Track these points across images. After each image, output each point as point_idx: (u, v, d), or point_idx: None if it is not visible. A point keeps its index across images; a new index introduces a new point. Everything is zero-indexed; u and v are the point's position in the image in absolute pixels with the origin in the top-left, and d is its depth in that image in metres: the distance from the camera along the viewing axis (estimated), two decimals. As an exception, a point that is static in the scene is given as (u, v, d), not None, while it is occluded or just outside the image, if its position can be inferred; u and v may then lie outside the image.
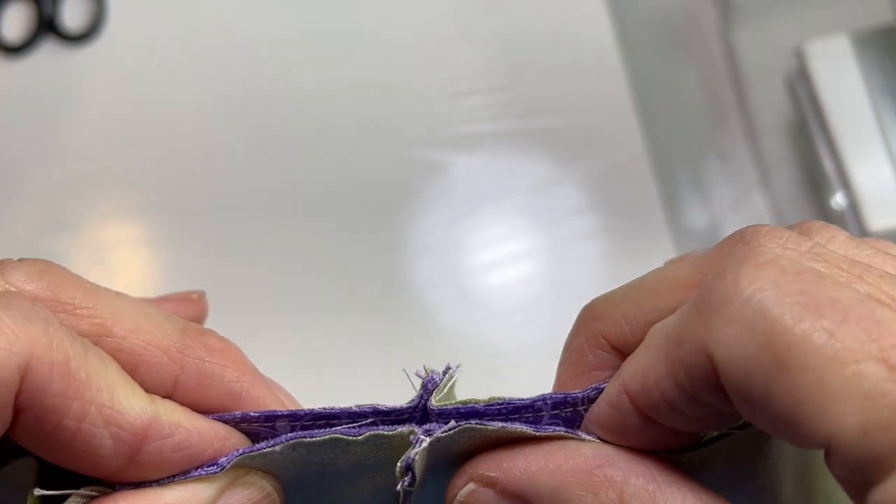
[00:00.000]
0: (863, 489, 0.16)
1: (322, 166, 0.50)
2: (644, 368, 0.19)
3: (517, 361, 0.45)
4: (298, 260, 0.48)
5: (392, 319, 0.47)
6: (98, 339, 0.20)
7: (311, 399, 0.25)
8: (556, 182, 0.49)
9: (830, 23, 0.49)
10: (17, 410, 0.18)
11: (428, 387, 0.22)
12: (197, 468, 0.21)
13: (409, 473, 0.21)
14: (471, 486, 0.22)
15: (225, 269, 0.48)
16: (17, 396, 0.18)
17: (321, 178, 0.50)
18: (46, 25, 0.53)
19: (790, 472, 0.24)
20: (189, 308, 0.30)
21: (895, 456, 0.15)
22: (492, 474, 0.21)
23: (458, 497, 0.22)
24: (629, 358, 0.20)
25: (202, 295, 0.31)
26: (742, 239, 0.20)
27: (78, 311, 0.21)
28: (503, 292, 0.47)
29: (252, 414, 0.22)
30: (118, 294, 0.22)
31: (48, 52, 0.53)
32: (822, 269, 0.18)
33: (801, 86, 0.47)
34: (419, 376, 0.22)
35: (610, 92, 0.51)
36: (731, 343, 0.17)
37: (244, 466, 0.22)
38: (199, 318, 0.30)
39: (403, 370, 0.23)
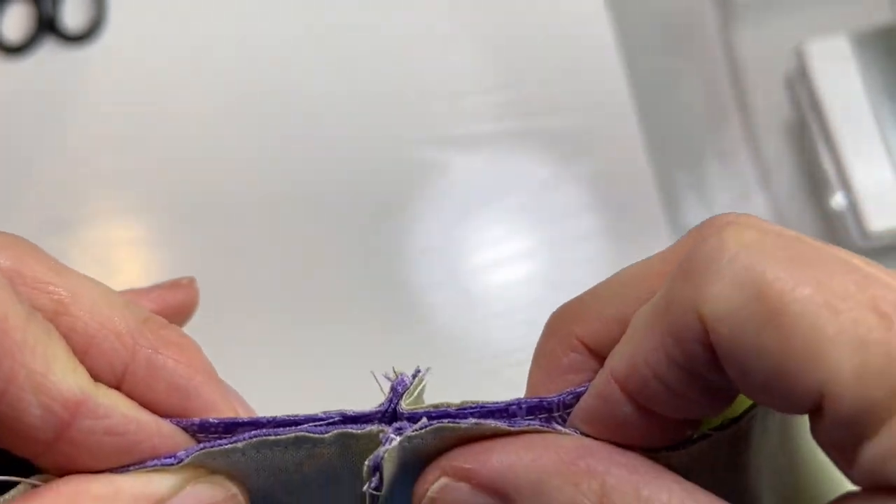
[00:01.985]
0: (854, 449, 0.16)
1: (322, 167, 0.50)
2: (631, 350, 0.19)
3: (517, 361, 0.45)
4: (298, 260, 0.48)
5: (393, 320, 0.47)
6: (55, 317, 0.20)
7: (302, 400, 0.24)
8: (555, 182, 0.49)
9: (830, 23, 0.49)
10: None
11: (398, 389, 0.21)
12: (153, 460, 0.20)
13: (377, 475, 0.20)
14: (443, 480, 0.20)
15: (225, 269, 0.48)
16: None
17: (321, 179, 0.50)
18: (46, 25, 0.53)
19: (771, 488, 0.23)
20: (179, 294, 0.29)
21: (891, 404, 0.15)
22: (467, 466, 0.20)
23: (428, 493, 0.20)
24: (614, 348, 0.19)
25: (192, 281, 0.29)
26: (711, 223, 0.19)
27: (38, 286, 0.20)
28: (503, 292, 0.47)
29: (211, 420, 0.21)
30: (84, 276, 0.21)
31: (48, 53, 0.53)
32: (800, 236, 0.18)
33: (800, 86, 0.47)
34: (388, 378, 0.22)
35: (610, 92, 0.51)
36: (722, 298, 0.16)
37: (206, 467, 0.21)
38: (189, 305, 0.29)
39: (371, 372, 0.22)
